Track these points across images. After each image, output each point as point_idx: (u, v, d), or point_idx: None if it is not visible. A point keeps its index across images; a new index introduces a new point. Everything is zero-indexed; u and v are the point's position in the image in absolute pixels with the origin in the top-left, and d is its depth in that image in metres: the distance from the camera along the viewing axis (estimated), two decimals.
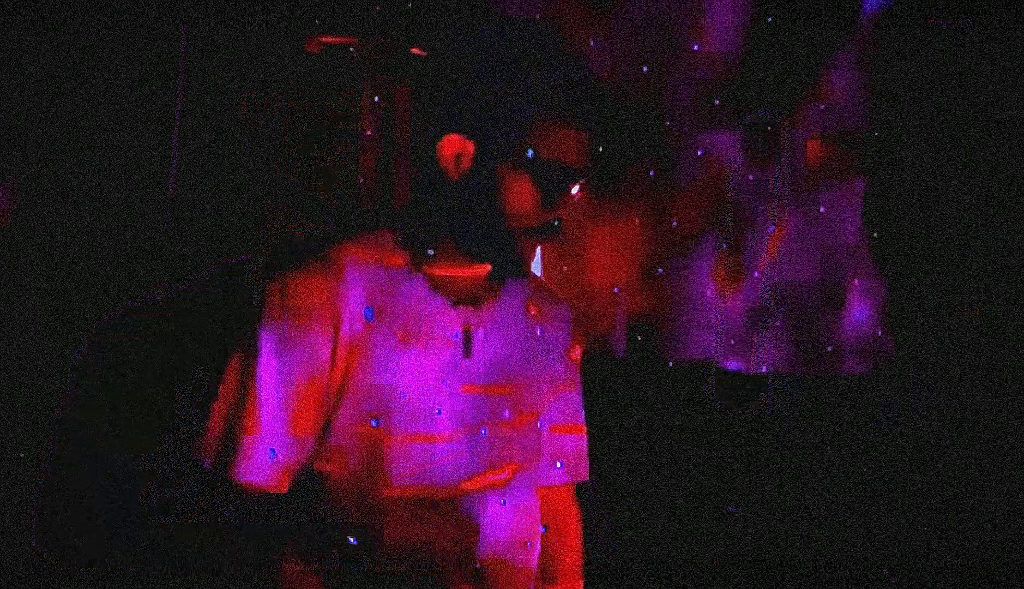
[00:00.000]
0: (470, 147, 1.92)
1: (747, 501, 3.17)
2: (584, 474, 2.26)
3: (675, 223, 3.29)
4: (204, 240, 3.25)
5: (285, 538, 2.09)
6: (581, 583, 2.36)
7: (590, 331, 3.36)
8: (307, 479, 2.02)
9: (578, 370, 2.21)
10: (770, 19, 3.17)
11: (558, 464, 2.21)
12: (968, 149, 3.18)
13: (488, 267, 1.99)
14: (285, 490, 2.00)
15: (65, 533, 2.37)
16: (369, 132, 3.26)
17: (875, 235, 3.17)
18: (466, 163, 1.93)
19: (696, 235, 3.31)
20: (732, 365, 3.25)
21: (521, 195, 1.92)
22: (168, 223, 3.19)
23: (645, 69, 3.34)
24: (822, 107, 3.22)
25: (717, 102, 3.33)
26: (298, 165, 3.31)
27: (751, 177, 3.25)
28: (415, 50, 3.26)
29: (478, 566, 2.09)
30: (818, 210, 3.21)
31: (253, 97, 2.83)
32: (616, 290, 3.35)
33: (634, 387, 3.29)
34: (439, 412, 2.03)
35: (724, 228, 3.29)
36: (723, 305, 3.26)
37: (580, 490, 2.47)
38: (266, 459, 1.97)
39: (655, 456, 3.24)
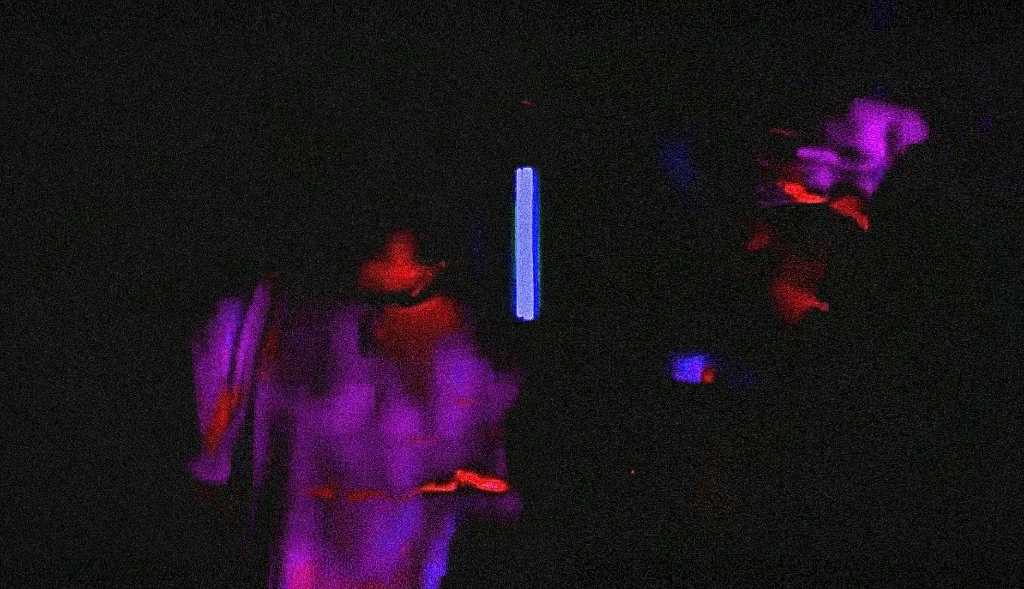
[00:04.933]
0: None
1: (747, 501, 3.17)
2: None
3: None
4: (204, 240, 3.25)
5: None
6: None
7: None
8: None
9: None
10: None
11: None
12: (968, 149, 3.18)
13: None
14: None
15: None
16: None
17: (875, 235, 3.17)
18: None
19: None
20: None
21: None
22: None
23: None
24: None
25: None
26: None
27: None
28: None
29: None
30: None
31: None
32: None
33: (634, 387, 3.29)
34: None
35: None
36: None
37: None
38: None
39: (655, 456, 3.24)
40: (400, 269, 2.41)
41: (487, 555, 2.64)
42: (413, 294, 2.39)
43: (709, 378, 3.14)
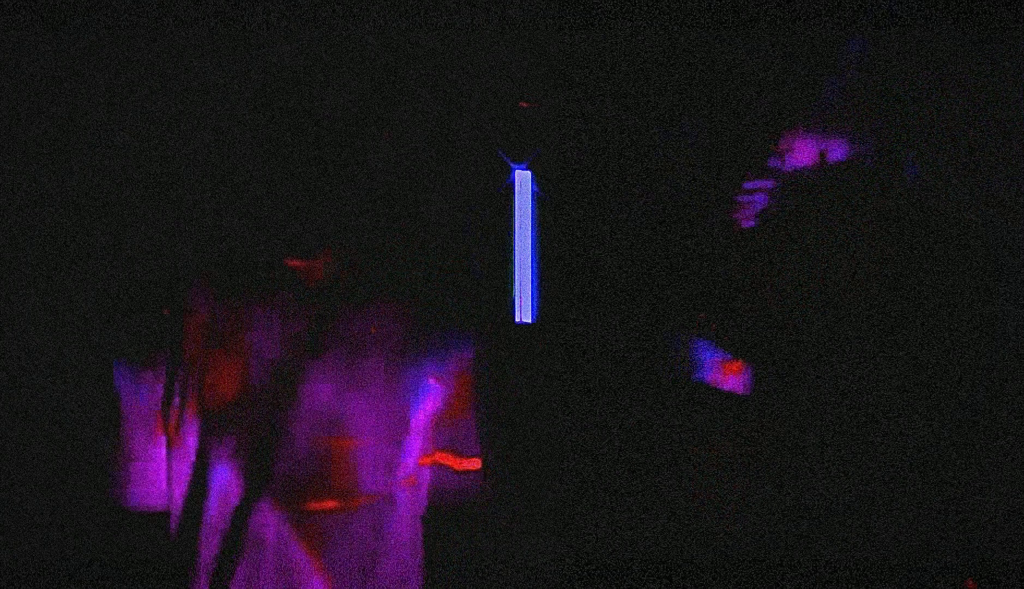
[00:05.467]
0: None
1: (746, 500, 3.17)
2: None
3: None
4: (204, 240, 3.25)
5: None
6: None
7: None
8: None
9: None
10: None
11: None
12: (968, 149, 3.18)
13: None
14: None
15: None
16: None
17: (876, 235, 3.17)
18: None
19: None
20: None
21: None
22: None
23: None
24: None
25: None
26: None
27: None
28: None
29: None
30: None
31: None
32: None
33: (634, 387, 3.29)
34: None
35: None
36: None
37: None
38: None
39: (655, 456, 3.24)
40: (321, 265, 2.40)
41: (487, 555, 2.64)
42: (337, 290, 2.38)
43: (734, 370, 3.14)
